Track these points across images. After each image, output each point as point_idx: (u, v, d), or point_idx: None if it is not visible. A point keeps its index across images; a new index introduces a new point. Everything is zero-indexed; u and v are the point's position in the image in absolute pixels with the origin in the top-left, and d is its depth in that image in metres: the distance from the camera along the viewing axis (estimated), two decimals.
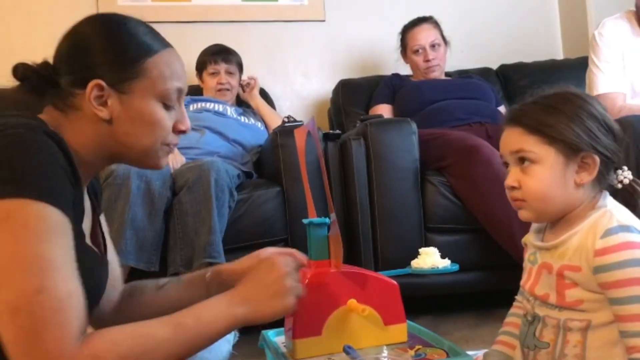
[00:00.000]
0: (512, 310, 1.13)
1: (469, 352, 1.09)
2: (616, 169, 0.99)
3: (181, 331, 0.79)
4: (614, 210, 0.96)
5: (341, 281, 0.99)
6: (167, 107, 0.92)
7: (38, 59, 0.93)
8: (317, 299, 0.97)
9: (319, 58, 2.97)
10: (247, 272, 0.94)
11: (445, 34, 2.62)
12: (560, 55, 3.17)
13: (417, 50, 2.56)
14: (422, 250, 1.21)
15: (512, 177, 1.00)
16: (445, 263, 1.18)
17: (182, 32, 2.74)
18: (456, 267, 1.18)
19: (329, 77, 2.89)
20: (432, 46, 2.56)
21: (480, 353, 1.17)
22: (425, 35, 2.56)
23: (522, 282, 1.08)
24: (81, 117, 0.88)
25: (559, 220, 1.01)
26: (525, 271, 1.08)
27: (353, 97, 2.72)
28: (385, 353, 0.90)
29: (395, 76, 2.67)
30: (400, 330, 1.03)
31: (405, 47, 2.63)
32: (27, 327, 0.68)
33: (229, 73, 2.52)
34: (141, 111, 0.90)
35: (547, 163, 0.96)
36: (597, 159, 0.95)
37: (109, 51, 0.90)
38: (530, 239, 1.07)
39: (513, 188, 1.00)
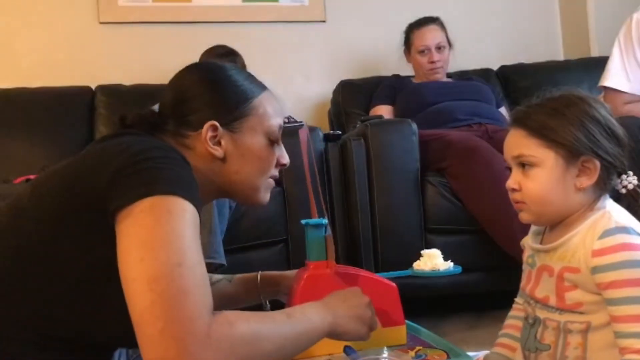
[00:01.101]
0: (512, 312, 1.13)
1: (469, 354, 1.09)
2: (620, 173, 0.98)
3: (293, 320, 0.83)
4: (612, 212, 0.96)
5: (339, 282, 0.99)
6: (271, 142, 1.00)
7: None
8: (313, 299, 0.97)
9: (319, 59, 2.97)
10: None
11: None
12: (560, 57, 3.17)
13: (423, 51, 2.56)
14: (424, 252, 1.20)
15: (513, 179, 1.00)
16: (448, 265, 1.17)
17: (182, 32, 2.75)
18: (459, 269, 1.16)
19: (329, 78, 2.89)
20: (438, 48, 2.55)
21: (480, 354, 1.17)
22: (432, 36, 2.56)
23: (522, 285, 1.08)
24: (192, 155, 0.93)
25: (558, 223, 1.01)
26: (524, 273, 1.08)
27: (353, 97, 2.71)
28: (385, 354, 0.90)
29: (396, 77, 2.67)
30: (398, 333, 1.03)
31: (410, 46, 2.62)
32: (167, 293, 0.71)
33: None
34: (251, 147, 0.98)
35: (547, 166, 0.96)
36: (598, 163, 0.95)
37: (219, 95, 0.97)
38: (528, 241, 1.07)
39: (514, 190, 1.00)
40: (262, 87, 1.03)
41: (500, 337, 1.11)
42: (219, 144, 0.95)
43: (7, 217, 0.86)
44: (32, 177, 2.01)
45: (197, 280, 0.74)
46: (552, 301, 0.98)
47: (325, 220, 1.01)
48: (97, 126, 2.49)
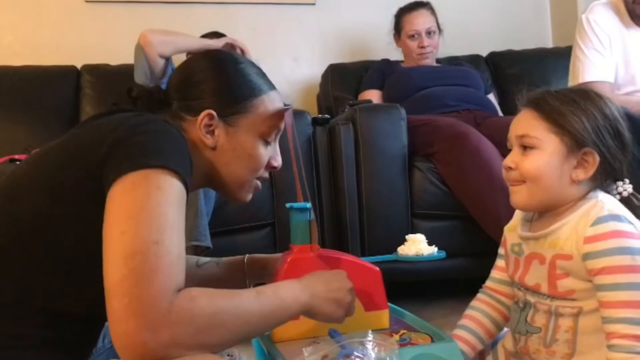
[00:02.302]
0: (474, 303, 1.15)
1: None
2: (616, 179, 0.99)
3: (262, 298, 0.83)
4: (605, 200, 0.97)
5: (322, 266, 0.99)
6: (266, 143, 1.01)
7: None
8: None
9: (308, 42, 2.94)
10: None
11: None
12: (549, 44, 3.18)
13: (413, 36, 2.56)
14: (408, 236, 1.20)
15: (511, 158, 1.01)
16: (432, 250, 1.17)
17: (169, 13, 2.71)
18: (443, 254, 1.17)
19: (318, 62, 2.87)
20: (428, 33, 2.55)
21: None
22: (422, 21, 2.55)
23: (509, 273, 1.08)
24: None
25: (546, 211, 1.02)
26: (510, 262, 1.08)
27: (342, 81, 2.70)
28: (370, 337, 0.90)
29: (385, 62, 2.66)
30: (381, 317, 1.03)
31: (400, 31, 2.61)
32: (139, 270, 0.72)
33: None
34: (244, 145, 0.98)
35: (547, 150, 0.97)
36: (598, 157, 0.95)
37: (223, 86, 0.98)
38: (516, 229, 1.08)
39: (509, 169, 1.01)
40: (271, 87, 1.04)
41: (458, 328, 1.13)
42: (212, 133, 0.96)
43: (3, 194, 0.87)
44: (15, 157, 1.99)
45: (171, 259, 0.75)
46: (544, 288, 0.99)
47: (309, 204, 1.01)
48: (82, 106, 2.47)
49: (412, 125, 2.05)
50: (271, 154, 1.03)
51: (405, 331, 1.01)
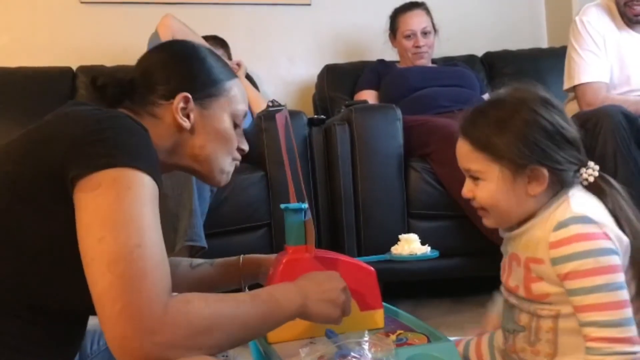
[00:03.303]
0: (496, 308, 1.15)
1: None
2: (579, 168, 0.97)
3: (257, 301, 0.83)
4: (571, 200, 0.95)
5: (317, 267, 0.99)
6: (235, 126, 1.03)
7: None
8: None
9: (304, 42, 2.94)
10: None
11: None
12: (545, 44, 3.18)
13: (409, 35, 2.56)
14: (402, 236, 1.20)
15: (467, 187, 1.02)
16: (425, 250, 1.17)
17: (163, 14, 2.70)
18: (436, 254, 1.17)
19: (314, 62, 2.87)
20: (424, 33, 2.56)
21: (460, 339, 1.18)
22: (418, 21, 2.56)
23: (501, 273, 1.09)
24: (159, 125, 0.95)
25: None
26: (502, 262, 1.09)
27: (338, 82, 2.70)
28: (366, 337, 0.90)
29: (381, 62, 2.67)
30: (376, 316, 1.03)
31: (396, 31, 2.61)
32: (125, 275, 0.71)
33: None
34: (218, 126, 0.99)
35: (493, 179, 0.97)
36: (545, 171, 0.94)
37: (197, 70, 0.99)
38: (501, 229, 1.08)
39: (470, 199, 1.02)
40: (233, 74, 1.05)
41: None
42: (187, 116, 0.96)
43: None
44: None
45: (156, 261, 0.75)
46: (521, 291, 0.99)
47: (304, 205, 1.01)
48: None
49: (408, 125, 2.05)
50: (239, 137, 1.04)
51: (401, 331, 1.01)
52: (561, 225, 0.92)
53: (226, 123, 1.00)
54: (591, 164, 0.98)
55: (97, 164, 0.77)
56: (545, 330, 0.97)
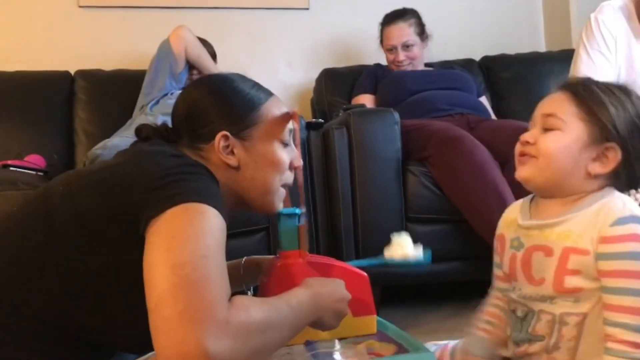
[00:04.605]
0: (493, 301, 1.12)
1: (440, 342, 1.10)
2: (631, 186, 0.97)
3: (293, 311, 0.83)
4: (624, 198, 0.94)
5: (309, 272, 0.99)
6: (284, 145, 1.04)
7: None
8: (285, 289, 0.96)
9: (302, 47, 2.95)
10: None
11: (428, 24, 2.61)
12: (542, 48, 3.18)
13: (390, 49, 2.58)
14: (394, 238, 1.18)
15: (531, 133, 0.99)
16: (418, 251, 1.16)
17: (163, 18, 2.71)
18: (429, 257, 1.15)
19: (312, 66, 2.87)
20: (406, 46, 2.56)
21: (446, 343, 1.17)
22: (397, 35, 2.55)
23: (507, 277, 1.05)
24: (210, 166, 0.95)
25: (549, 198, 1.00)
26: (506, 262, 1.05)
27: (336, 86, 2.71)
28: (338, 347, 0.92)
29: (378, 66, 2.67)
30: (369, 322, 1.03)
31: (382, 42, 2.64)
32: (190, 278, 0.71)
33: None
34: (264, 153, 1.01)
35: (570, 135, 0.95)
36: (619, 155, 0.93)
37: (227, 106, 1.00)
38: (515, 222, 1.04)
39: (527, 143, 0.98)
40: (269, 94, 1.06)
41: (481, 322, 1.11)
42: (232, 153, 0.99)
43: (37, 210, 0.88)
44: (9, 162, 1.98)
45: (220, 271, 0.75)
46: (548, 283, 0.95)
47: (298, 210, 1.01)
48: (76, 112, 2.45)
49: (406, 129, 2.05)
50: (291, 155, 1.05)
51: (372, 341, 1.02)
52: (621, 221, 0.91)
53: (271, 148, 1.01)
54: None
55: (169, 202, 0.79)
56: (567, 339, 0.95)
